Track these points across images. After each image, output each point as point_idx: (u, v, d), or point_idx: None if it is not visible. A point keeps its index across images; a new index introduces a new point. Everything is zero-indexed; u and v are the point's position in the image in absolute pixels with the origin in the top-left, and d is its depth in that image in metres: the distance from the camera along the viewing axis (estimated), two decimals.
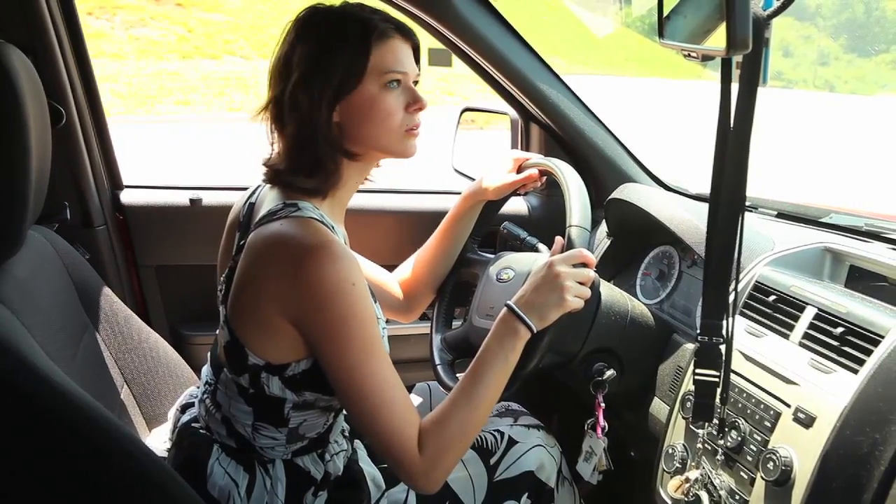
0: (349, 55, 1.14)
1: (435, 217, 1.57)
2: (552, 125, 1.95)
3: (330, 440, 1.27)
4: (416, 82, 1.23)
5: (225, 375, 1.20)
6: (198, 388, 1.35)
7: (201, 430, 1.26)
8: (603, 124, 1.97)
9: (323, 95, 1.14)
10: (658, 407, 1.49)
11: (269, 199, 1.21)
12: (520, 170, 1.54)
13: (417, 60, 1.23)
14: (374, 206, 2.02)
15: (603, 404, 1.45)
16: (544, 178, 1.53)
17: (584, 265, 1.26)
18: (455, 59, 1.95)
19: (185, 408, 1.35)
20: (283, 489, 1.21)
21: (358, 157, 1.20)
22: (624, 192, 1.76)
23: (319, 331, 1.08)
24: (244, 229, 1.25)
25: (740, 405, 1.26)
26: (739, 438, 1.22)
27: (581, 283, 1.25)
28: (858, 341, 1.14)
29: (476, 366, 1.20)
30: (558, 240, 1.41)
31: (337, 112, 1.16)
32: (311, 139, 1.15)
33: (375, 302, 1.23)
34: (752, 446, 1.20)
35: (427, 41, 1.94)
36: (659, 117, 11.47)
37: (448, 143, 2.11)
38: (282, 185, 1.20)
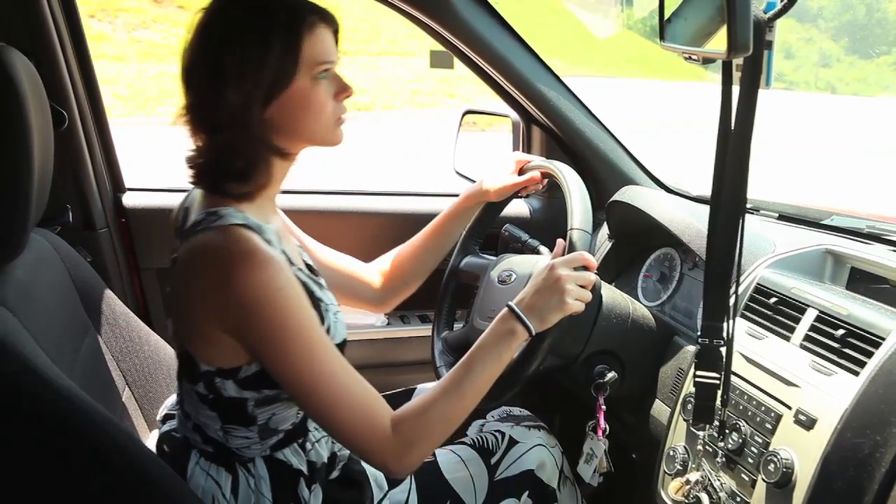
0: (280, 51, 1.10)
1: (430, 219, 1.57)
2: (553, 127, 1.96)
3: (309, 428, 1.24)
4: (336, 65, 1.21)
5: (186, 385, 1.19)
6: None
7: (180, 438, 1.25)
8: (604, 126, 1.97)
9: (255, 94, 1.10)
10: (659, 409, 1.49)
11: (197, 204, 1.19)
12: (521, 172, 1.54)
13: (338, 41, 1.20)
14: (371, 209, 2.03)
15: (604, 406, 1.46)
16: (546, 181, 1.53)
17: (586, 268, 1.26)
18: (457, 61, 1.96)
19: (166, 418, 1.34)
20: (268, 487, 1.19)
21: (290, 155, 1.19)
22: (625, 195, 1.76)
23: (256, 340, 1.07)
24: (178, 237, 1.22)
25: (741, 407, 1.26)
26: (740, 440, 1.22)
27: (582, 286, 1.24)
28: (859, 343, 1.14)
29: (469, 359, 1.20)
30: (560, 242, 1.41)
31: (268, 109, 1.12)
32: (244, 142, 1.11)
33: (322, 289, 1.22)
34: (752, 448, 1.21)
35: (429, 43, 1.95)
36: (661, 119, 11.47)
37: (450, 144, 2.11)
38: (208, 189, 1.17)
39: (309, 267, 1.31)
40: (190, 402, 1.19)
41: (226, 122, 1.10)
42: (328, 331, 1.19)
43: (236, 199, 1.14)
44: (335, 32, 1.18)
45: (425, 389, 1.58)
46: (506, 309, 1.23)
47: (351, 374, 1.11)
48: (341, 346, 1.23)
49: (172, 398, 1.38)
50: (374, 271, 1.57)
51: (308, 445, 1.24)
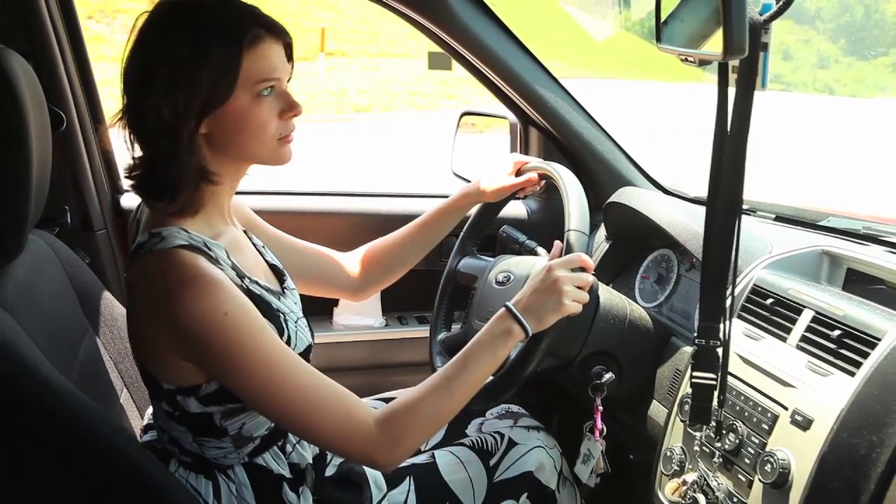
0: (217, 66, 1.04)
1: None
2: (551, 129, 1.96)
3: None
4: (288, 80, 1.15)
5: (154, 402, 1.18)
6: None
7: (159, 448, 1.24)
8: (601, 128, 1.98)
9: (189, 108, 1.04)
10: (656, 410, 1.50)
11: (144, 220, 1.17)
12: (519, 173, 1.54)
13: (290, 57, 1.14)
14: (368, 210, 2.03)
15: (601, 407, 1.46)
16: (543, 182, 1.53)
17: (583, 269, 1.26)
18: (454, 62, 1.96)
19: (147, 428, 1.34)
20: (250, 493, 1.18)
21: (218, 182, 1.13)
22: (622, 196, 1.77)
23: (210, 364, 1.05)
24: (130, 254, 1.17)
25: (738, 408, 1.26)
26: (737, 441, 1.23)
27: (579, 288, 1.24)
28: (855, 344, 1.15)
29: (463, 356, 1.19)
30: (557, 244, 1.41)
31: (204, 124, 1.07)
32: (172, 156, 1.06)
33: (281, 298, 1.20)
34: (749, 449, 1.21)
35: (427, 45, 1.95)
36: (659, 120, 11.48)
37: (447, 146, 2.12)
38: (148, 203, 1.14)
39: (274, 269, 1.29)
40: (160, 417, 1.19)
41: (155, 133, 1.07)
42: (288, 341, 1.17)
43: (177, 216, 1.11)
44: (287, 46, 1.13)
45: None
46: (503, 309, 1.23)
47: (318, 379, 1.08)
48: (306, 352, 1.21)
49: (150, 410, 1.37)
50: (354, 260, 1.55)
51: (288, 448, 1.24)
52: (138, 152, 1.12)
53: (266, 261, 1.30)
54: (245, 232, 1.30)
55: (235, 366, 1.03)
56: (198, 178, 1.11)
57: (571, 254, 1.28)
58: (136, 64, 1.08)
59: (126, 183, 1.13)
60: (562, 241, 1.37)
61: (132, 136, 1.10)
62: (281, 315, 1.17)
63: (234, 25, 1.06)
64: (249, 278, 1.15)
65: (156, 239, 1.07)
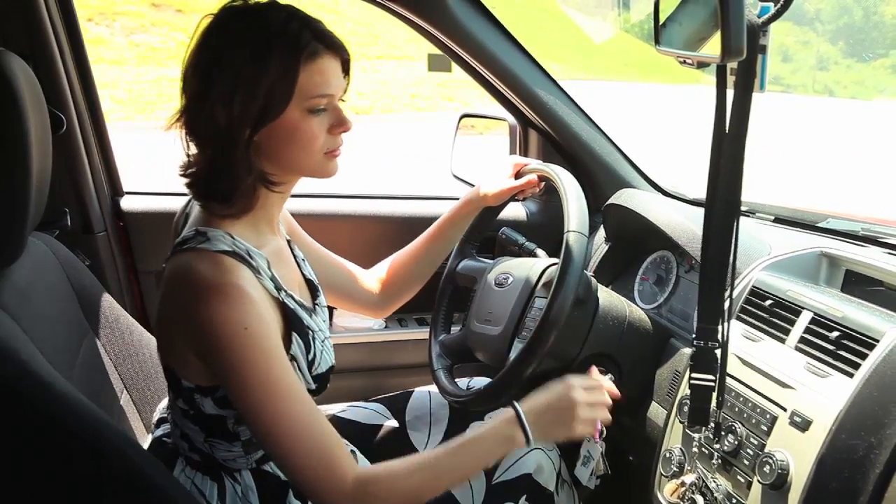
0: (274, 76, 1.04)
1: (429, 223, 1.58)
2: (550, 131, 1.96)
3: None
4: (342, 98, 1.15)
5: (171, 398, 1.18)
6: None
7: (170, 444, 1.25)
8: (601, 130, 1.98)
9: (244, 115, 1.05)
10: (656, 411, 1.50)
11: (194, 215, 1.17)
12: (518, 175, 1.55)
13: (347, 72, 1.14)
14: (368, 212, 2.03)
15: None
16: (543, 184, 1.54)
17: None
18: (454, 64, 1.96)
19: (159, 422, 1.34)
20: (255, 496, 1.19)
21: (279, 184, 1.14)
22: (621, 198, 1.77)
23: (217, 370, 1.05)
24: (172, 247, 1.18)
25: (737, 409, 1.26)
26: (736, 442, 1.23)
27: (595, 405, 1.22)
28: (854, 345, 1.15)
29: (458, 444, 1.15)
30: (594, 369, 1.37)
31: (260, 136, 1.08)
32: (227, 163, 1.07)
33: (313, 315, 1.20)
34: (748, 450, 1.21)
35: (427, 47, 1.95)
36: (659, 122, 11.48)
37: (447, 148, 2.12)
38: (200, 203, 1.14)
39: (309, 284, 1.30)
40: (175, 413, 1.19)
41: (211, 137, 1.07)
42: (314, 359, 1.17)
43: (227, 217, 1.12)
44: (344, 62, 1.13)
45: (424, 393, 1.58)
46: (512, 411, 1.18)
47: (315, 418, 1.06)
48: (328, 372, 1.22)
49: (165, 401, 1.37)
50: (373, 278, 1.56)
51: None
52: (192, 151, 1.12)
53: (303, 274, 1.30)
54: (288, 242, 1.31)
55: (239, 380, 1.03)
56: (255, 182, 1.11)
57: (593, 378, 1.28)
58: (197, 66, 1.08)
59: (181, 181, 1.13)
60: (561, 242, 1.37)
61: (188, 137, 1.10)
62: (311, 332, 1.17)
63: (295, 38, 1.06)
64: (286, 291, 1.15)
65: (201, 238, 1.08)
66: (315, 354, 1.18)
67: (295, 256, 1.31)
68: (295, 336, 1.14)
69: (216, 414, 1.13)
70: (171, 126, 1.11)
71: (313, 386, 1.19)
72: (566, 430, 1.19)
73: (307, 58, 1.06)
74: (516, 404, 1.19)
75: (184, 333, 1.06)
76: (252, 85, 1.04)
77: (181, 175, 1.13)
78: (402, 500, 1.11)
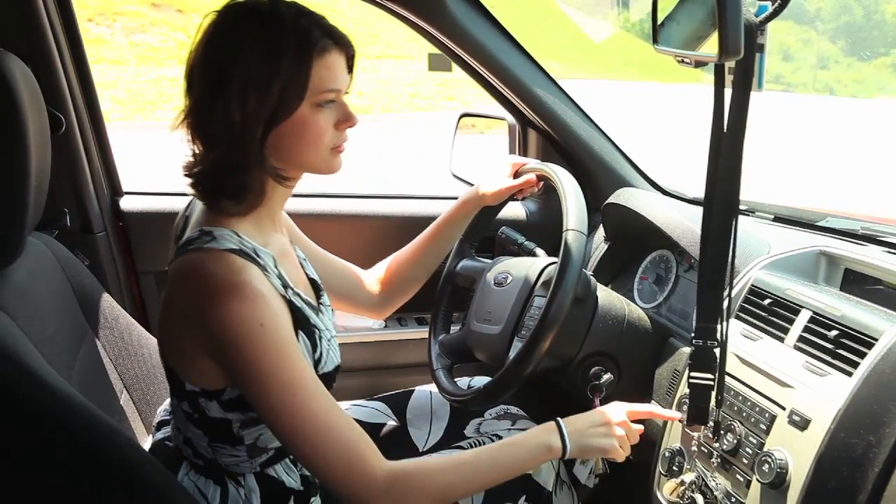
0: (287, 74, 1.05)
1: (428, 222, 1.58)
2: (549, 130, 1.96)
3: None
4: (347, 92, 1.16)
5: (175, 401, 1.18)
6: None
7: (172, 448, 1.25)
8: (600, 129, 1.98)
9: (258, 113, 1.05)
10: None
11: (196, 216, 1.17)
12: (517, 175, 1.55)
13: (351, 68, 1.15)
14: (366, 212, 2.03)
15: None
16: (542, 184, 1.54)
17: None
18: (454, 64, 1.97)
19: (160, 425, 1.34)
20: (258, 499, 1.18)
21: (288, 179, 1.14)
22: (621, 197, 1.77)
23: (234, 371, 1.04)
24: (175, 247, 1.18)
25: (736, 408, 1.26)
26: (735, 441, 1.23)
27: (629, 433, 1.28)
28: (853, 344, 1.15)
29: (498, 448, 1.19)
30: (669, 412, 1.40)
31: (270, 132, 1.09)
32: (239, 160, 1.07)
33: (319, 314, 1.20)
34: (747, 449, 1.21)
35: (427, 46, 1.96)
36: (659, 121, 11.48)
37: (447, 147, 2.12)
38: (203, 200, 1.14)
39: (313, 283, 1.30)
40: (178, 417, 1.18)
41: (223, 136, 1.06)
42: (320, 358, 1.17)
43: (234, 215, 1.11)
44: (350, 58, 1.14)
45: (425, 392, 1.58)
46: (552, 422, 1.24)
47: (337, 413, 1.06)
48: (334, 371, 1.22)
49: (167, 403, 1.37)
50: (372, 279, 1.56)
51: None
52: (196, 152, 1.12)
53: (306, 274, 1.30)
54: (290, 242, 1.31)
55: (258, 379, 1.02)
56: (264, 178, 1.12)
57: (647, 407, 1.34)
58: (205, 65, 1.07)
59: (184, 181, 1.12)
60: (560, 241, 1.37)
61: (194, 137, 1.10)
62: (317, 331, 1.17)
63: (306, 35, 1.06)
64: (293, 289, 1.15)
65: (207, 237, 1.07)
66: (321, 353, 1.17)
67: (297, 256, 1.31)
68: (301, 335, 1.13)
69: (221, 418, 1.12)
70: (178, 126, 1.10)
71: None
72: (602, 447, 1.24)
73: (318, 54, 1.07)
74: (559, 419, 1.24)
75: (194, 334, 1.05)
76: (266, 83, 1.04)
77: (186, 175, 1.12)
78: (434, 497, 1.12)
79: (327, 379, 1.20)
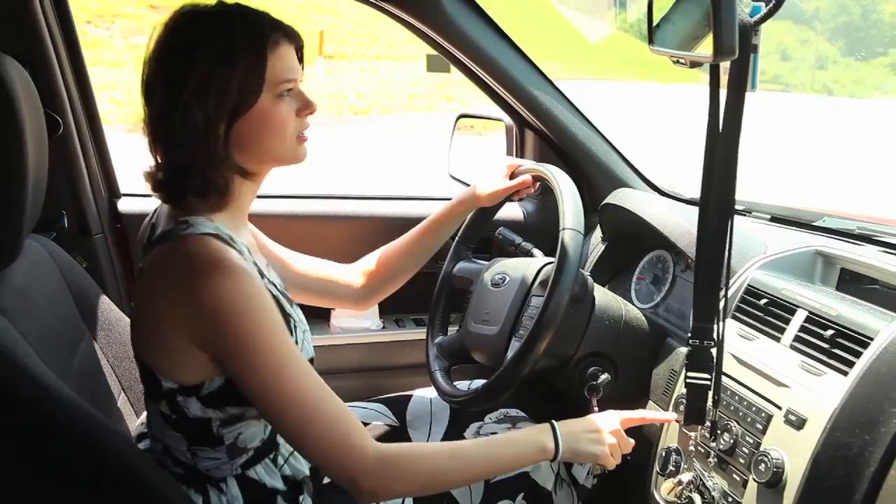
0: (244, 70, 1.08)
1: None
2: (546, 131, 1.97)
3: (279, 442, 1.21)
4: (301, 81, 1.18)
5: (151, 404, 1.17)
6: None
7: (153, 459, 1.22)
8: (597, 130, 1.98)
9: (219, 111, 1.07)
10: (653, 410, 1.50)
11: (164, 217, 1.17)
12: (513, 176, 1.55)
13: (301, 59, 1.18)
14: (363, 213, 2.03)
15: (597, 408, 1.46)
16: (538, 184, 1.54)
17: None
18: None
19: (139, 437, 1.32)
20: None
21: (254, 174, 1.16)
22: (618, 198, 1.77)
23: (224, 351, 1.04)
24: (145, 251, 1.21)
25: (732, 408, 1.26)
26: (731, 441, 1.23)
27: (621, 440, 1.28)
28: (848, 343, 1.15)
29: (492, 441, 1.21)
30: (663, 414, 1.42)
31: (232, 128, 1.10)
32: (203, 160, 1.09)
33: (292, 306, 1.22)
34: (744, 448, 1.21)
35: (426, 47, 1.96)
36: (657, 121, 11.49)
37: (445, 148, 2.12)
38: (169, 200, 1.15)
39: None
40: (156, 423, 1.17)
41: (187, 139, 1.08)
42: (298, 347, 1.16)
43: (207, 209, 1.12)
44: (298, 49, 1.17)
45: (423, 394, 1.59)
46: (547, 424, 1.24)
47: (325, 390, 1.07)
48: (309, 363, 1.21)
49: (144, 416, 1.35)
50: (356, 271, 1.56)
51: (280, 460, 1.22)
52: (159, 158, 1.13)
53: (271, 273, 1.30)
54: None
55: (247, 355, 1.03)
56: (230, 175, 1.13)
57: (642, 414, 1.34)
58: (162, 71, 1.09)
59: (147, 187, 1.14)
60: (557, 242, 1.38)
61: (156, 144, 1.12)
62: (292, 320, 1.18)
63: (258, 29, 1.10)
64: (268, 279, 1.17)
65: (183, 225, 1.09)
66: (298, 343, 1.18)
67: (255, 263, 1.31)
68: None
69: (200, 417, 1.12)
70: (139, 130, 1.12)
71: None
72: (595, 453, 1.25)
73: (271, 47, 1.10)
74: (554, 421, 1.24)
75: (177, 320, 1.04)
76: (224, 81, 1.07)
77: (148, 181, 1.14)
78: (423, 481, 1.13)
79: None
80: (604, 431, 1.26)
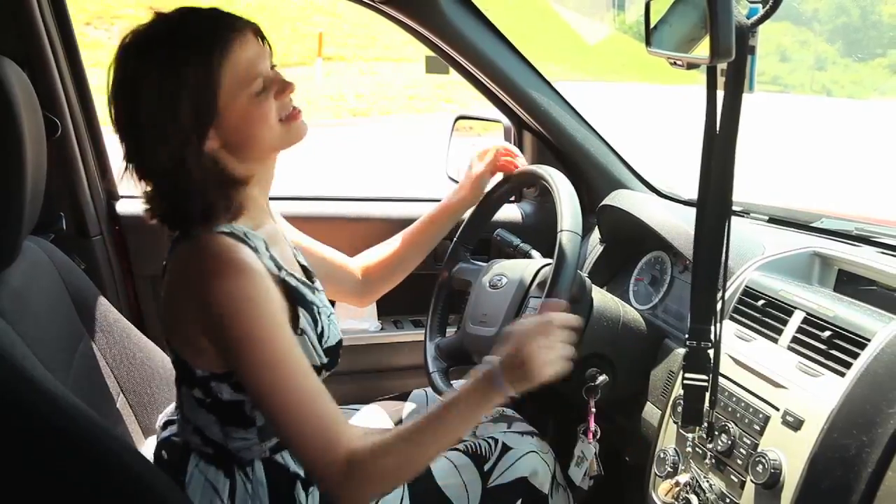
0: (194, 86, 1.06)
1: None
2: (544, 132, 1.97)
3: None
4: (271, 59, 1.16)
5: (184, 390, 1.19)
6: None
7: (179, 442, 1.25)
8: (595, 131, 1.98)
9: (182, 137, 1.07)
10: (650, 411, 1.50)
11: None
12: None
13: (263, 37, 1.14)
14: (361, 214, 2.04)
15: (594, 409, 1.46)
16: (536, 187, 1.54)
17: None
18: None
19: (166, 425, 1.34)
20: (265, 491, 1.20)
21: (252, 176, 1.16)
22: (615, 199, 1.77)
23: (224, 347, 1.07)
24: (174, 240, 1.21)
25: (730, 409, 1.27)
26: (729, 442, 1.23)
27: (553, 346, 1.14)
28: (846, 345, 1.15)
29: (437, 414, 1.12)
30: (544, 304, 1.28)
31: (214, 138, 1.10)
32: (191, 185, 1.09)
33: (315, 292, 1.22)
34: (741, 449, 1.21)
35: (424, 49, 1.96)
36: (655, 123, 11.49)
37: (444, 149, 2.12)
38: (183, 231, 1.14)
39: (304, 269, 1.31)
40: (189, 406, 1.20)
41: (166, 169, 1.08)
42: (323, 332, 1.20)
43: (225, 221, 1.13)
44: (255, 32, 1.13)
45: (421, 395, 1.59)
46: (478, 371, 1.14)
47: (317, 396, 1.07)
48: (337, 345, 1.24)
49: (171, 407, 1.37)
50: (357, 267, 1.58)
51: None
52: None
53: (297, 261, 1.32)
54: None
55: (244, 355, 1.05)
56: (229, 189, 1.13)
57: (545, 319, 1.17)
58: (120, 112, 1.10)
59: (141, 207, 1.15)
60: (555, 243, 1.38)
61: (141, 178, 1.12)
62: (315, 307, 1.20)
63: (199, 42, 1.07)
64: (287, 270, 1.18)
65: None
66: (323, 328, 1.20)
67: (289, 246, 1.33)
68: (302, 311, 1.17)
69: (233, 400, 1.15)
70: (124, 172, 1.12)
71: (325, 360, 1.21)
72: (534, 377, 1.12)
73: (220, 54, 1.08)
74: (488, 359, 1.14)
75: (192, 315, 1.08)
76: (174, 107, 1.06)
77: (148, 212, 1.14)
78: (393, 475, 1.12)
79: (332, 353, 1.23)
80: (532, 354, 1.11)
